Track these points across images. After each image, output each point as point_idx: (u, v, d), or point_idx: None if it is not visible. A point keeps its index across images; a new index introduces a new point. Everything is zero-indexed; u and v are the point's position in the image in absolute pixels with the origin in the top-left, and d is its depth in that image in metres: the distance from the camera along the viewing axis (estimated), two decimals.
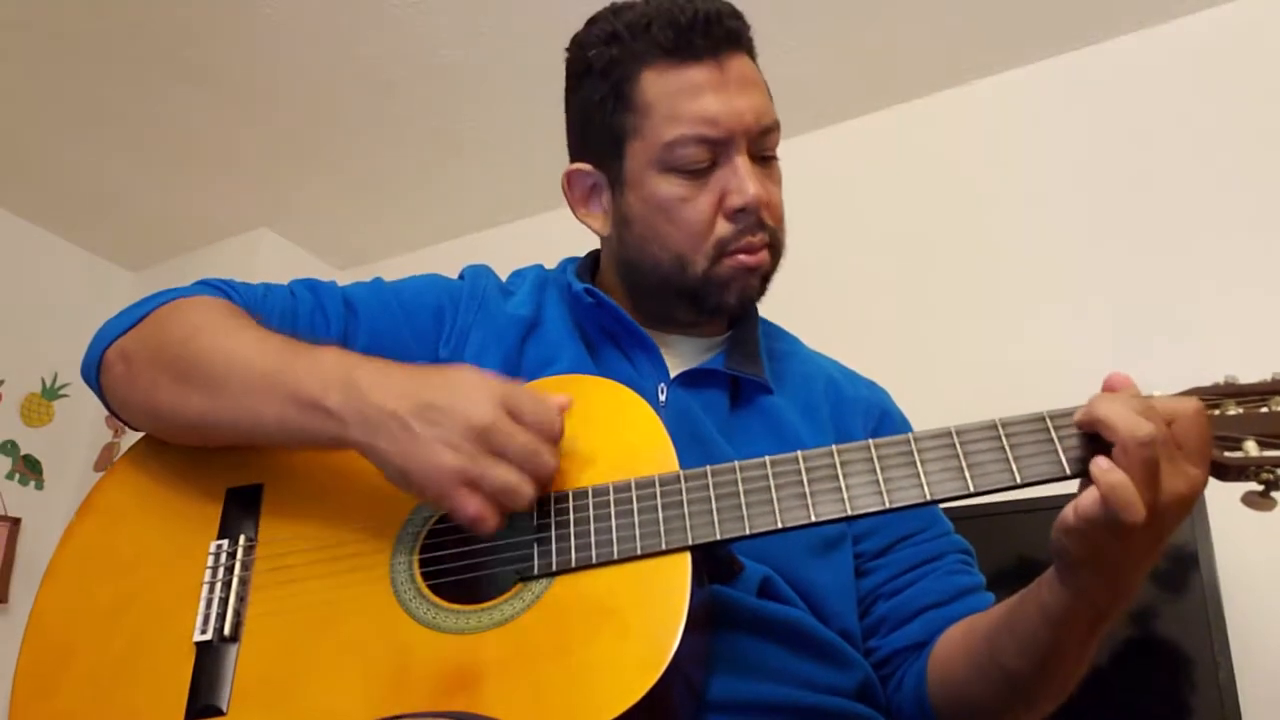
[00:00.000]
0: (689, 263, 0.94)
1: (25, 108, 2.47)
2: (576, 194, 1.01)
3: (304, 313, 0.95)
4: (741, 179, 0.91)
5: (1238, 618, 1.53)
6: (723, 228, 0.93)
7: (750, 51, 0.96)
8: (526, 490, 0.72)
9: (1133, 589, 0.73)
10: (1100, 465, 0.66)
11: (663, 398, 0.94)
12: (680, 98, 0.91)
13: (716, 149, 0.91)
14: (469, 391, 0.73)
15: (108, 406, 0.92)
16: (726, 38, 0.92)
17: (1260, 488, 0.68)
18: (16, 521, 2.78)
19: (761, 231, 0.93)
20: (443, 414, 0.72)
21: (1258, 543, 1.56)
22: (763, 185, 0.93)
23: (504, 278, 1.09)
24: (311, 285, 0.99)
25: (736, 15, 0.95)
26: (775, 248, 0.96)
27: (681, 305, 0.97)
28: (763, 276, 0.96)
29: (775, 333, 1.10)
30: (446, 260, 1.13)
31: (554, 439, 0.75)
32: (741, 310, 0.99)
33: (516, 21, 2.19)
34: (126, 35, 2.24)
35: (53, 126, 2.55)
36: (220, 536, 0.84)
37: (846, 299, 2.22)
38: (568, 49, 1.01)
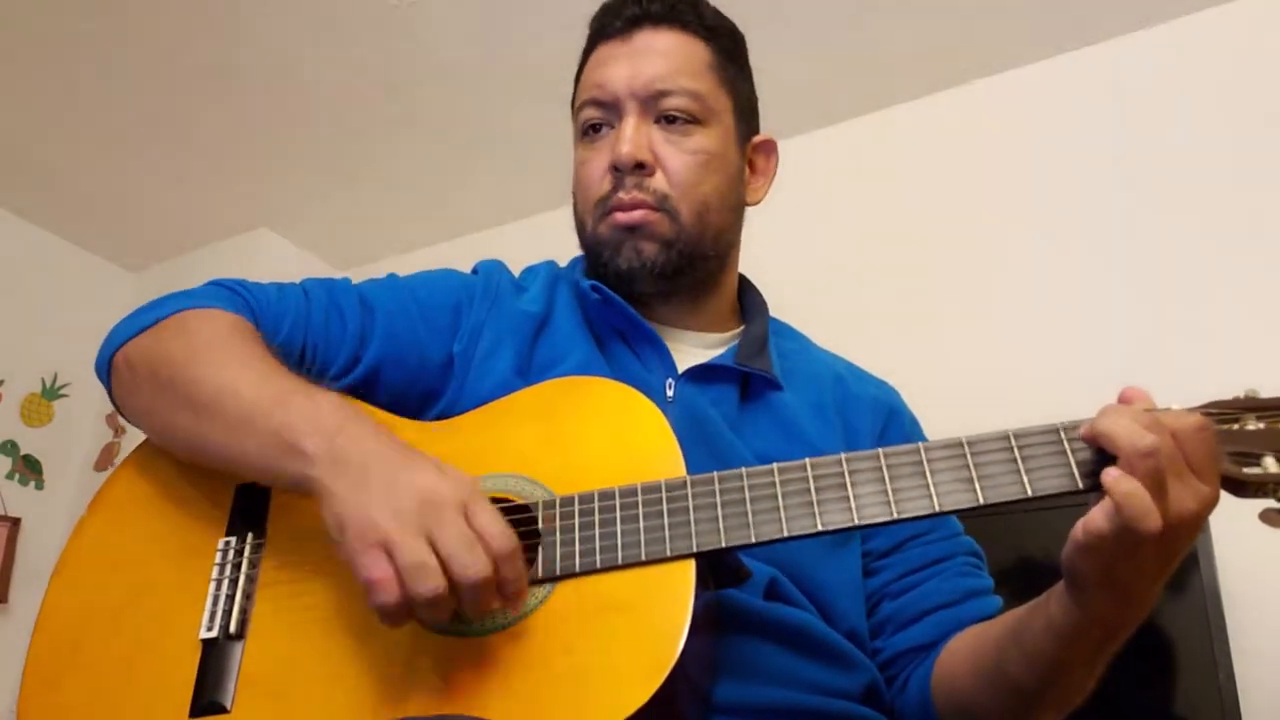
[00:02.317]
0: (584, 223, 0.99)
1: (25, 108, 2.47)
2: None
3: (318, 314, 0.94)
4: (617, 138, 0.95)
5: (1238, 618, 1.54)
6: (604, 185, 0.96)
7: (686, 27, 0.99)
8: (435, 581, 0.66)
9: (1143, 609, 0.72)
10: (1111, 475, 0.65)
11: (670, 393, 0.93)
12: (589, 71, 1.01)
13: (608, 111, 0.98)
14: (437, 474, 0.71)
15: (115, 407, 0.93)
16: (641, 16, 0.99)
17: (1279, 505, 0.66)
18: (16, 521, 2.78)
19: (637, 190, 0.94)
20: (401, 480, 0.70)
21: (1258, 543, 1.55)
22: (656, 148, 0.95)
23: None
24: (327, 285, 0.98)
25: None
26: (671, 213, 0.94)
27: (605, 274, 0.98)
28: (660, 242, 0.94)
29: (784, 331, 1.10)
30: (446, 260, 1.12)
31: (495, 553, 0.68)
32: (645, 277, 0.95)
33: (517, 22, 2.19)
34: (127, 36, 2.24)
35: (53, 126, 2.55)
36: (228, 534, 0.84)
37: (847, 299, 2.22)
38: None
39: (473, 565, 0.67)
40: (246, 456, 0.78)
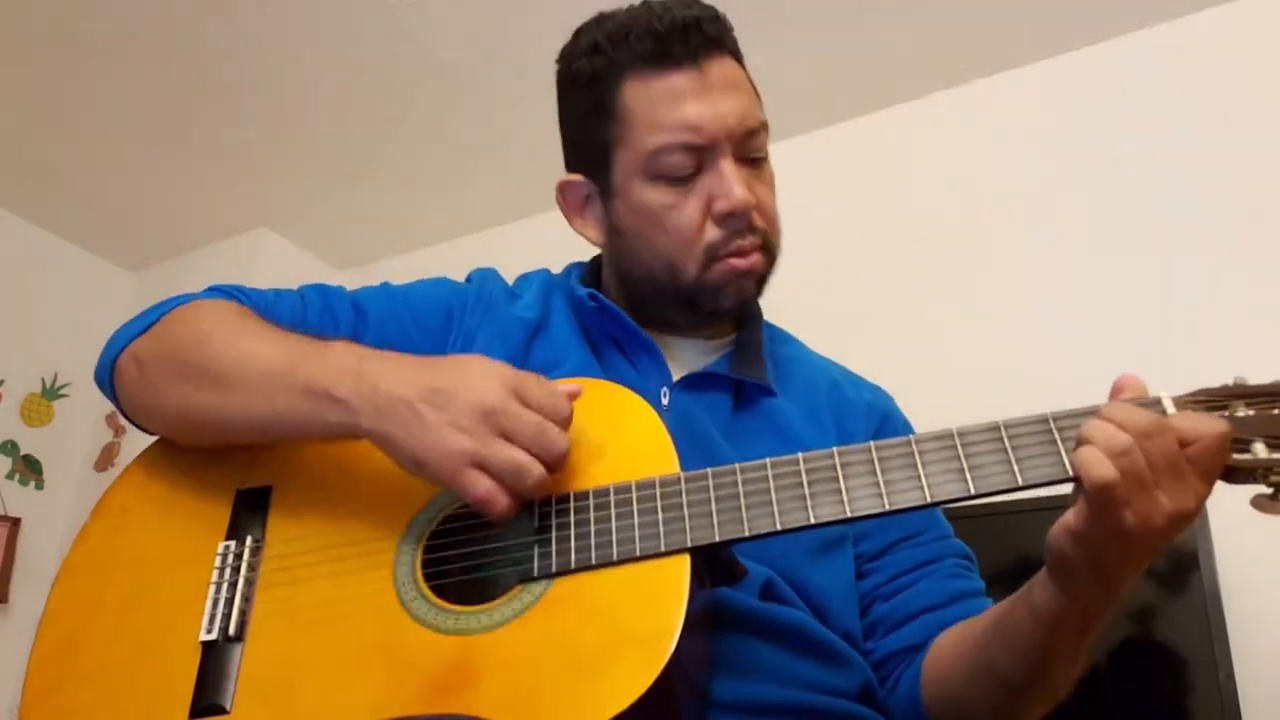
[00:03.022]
0: (680, 269, 0.94)
1: (25, 108, 2.47)
2: (570, 204, 1.02)
3: (313, 317, 0.95)
4: (728, 183, 0.91)
5: (1238, 618, 1.54)
6: (712, 233, 0.92)
7: (734, 53, 0.96)
8: (535, 470, 0.72)
9: (1123, 592, 0.72)
10: (1080, 453, 0.67)
11: (665, 401, 0.93)
12: (661, 105, 0.91)
13: (701, 155, 0.91)
14: (476, 376, 0.74)
15: (122, 411, 0.93)
16: (705, 42, 0.92)
17: (1270, 490, 0.67)
18: (16, 521, 2.79)
19: (752, 235, 0.93)
20: (450, 398, 0.73)
21: (1258, 543, 1.56)
22: (751, 188, 0.92)
23: (507, 278, 1.09)
24: (321, 289, 1.00)
25: (716, 19, 0.94)
26: (769, 249, 0.96)
27: (678, 310, 0.97)
28: (757, 279, 0.96)
29: (779, 336, 1.10)
30: (447, 260, 1.13)
31: (562, 421, 0.75)
32: (739, 311, 0.99)
33: (517, 22, 2.19)
34: (126, 36, 2.24)
35: (52, 126, 2.55)
36: (228, 537, 0.84)
37: (846, 299, 2.22)
38: (556, 61, 1.02)
39: (555, 441, 0.74)
40: (279, 415, 0.80)
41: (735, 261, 0.93)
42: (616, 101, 0.94)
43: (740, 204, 0.90)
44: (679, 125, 0.90)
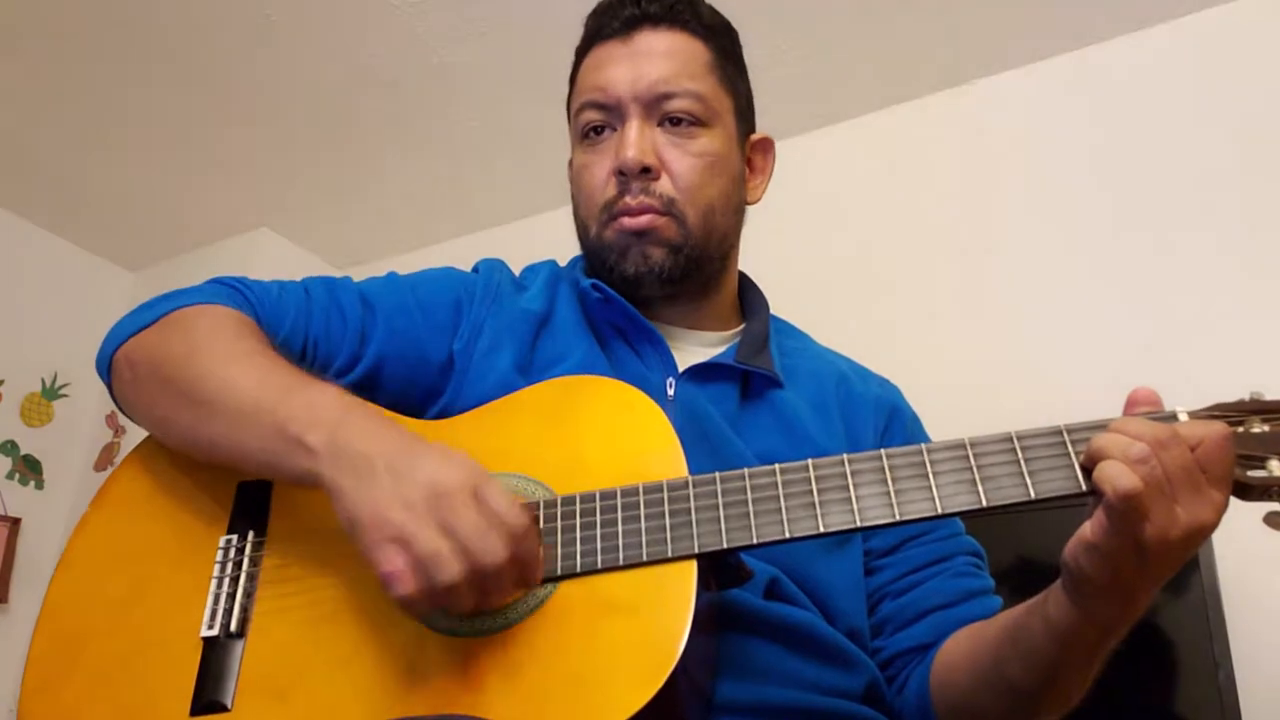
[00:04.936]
0: (588, 228, 0.98)
1: (26, 108, 2.47)
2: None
3: (319, 312, 0.94)
4: (623, 140, 0.94)
5: (1238, 618, 1.54)
6: (610, 190, 0.95)
7: (685, 27, 0.99)
8: (453, 569, 0.66)
9: (1139, 610, 0.71)
10: (1102, 467, 0.65)
11: (671, 392, 0.93)
12: (587, 72, 1.00)
13: (610, 114, 0.97)
14: (444, 461, 0.70)
15: (117, 405, 0.93)
16: (641, 17, 0.98)
17: None
18: (16, 521, 2.78)
19: (645, 195, 0.93)
20: (408, 471, 0.69)
21: (1258, 543, 1.56)
22: (661, 151, 0.94)
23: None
24: (328, 283, 0.98)
25: None
26: (678, 216, 0.94)
27: (609, 278, 0.97)
28: (666, 246, 0.94)
29: (786, 330, 1.10)
30: (447, 260, 1.12)
31: (510, 534, 0.68)
32: (653, 282, 0.95)
33: (517, 22, 2.19)
34: (127, 35, 2.24)
35: (53, 126, 2.55)
36: (230, 531, 0.84)
37: (847, 299, 2.22)
38: None
39: (490, 550, 0.67)
40: (249, 452, 0.78)
41: (625, 220, 0.94)
42: (574, 78, 1.03)
43: (627, 160, 0.93)
44: (591, 86, 0.98)
